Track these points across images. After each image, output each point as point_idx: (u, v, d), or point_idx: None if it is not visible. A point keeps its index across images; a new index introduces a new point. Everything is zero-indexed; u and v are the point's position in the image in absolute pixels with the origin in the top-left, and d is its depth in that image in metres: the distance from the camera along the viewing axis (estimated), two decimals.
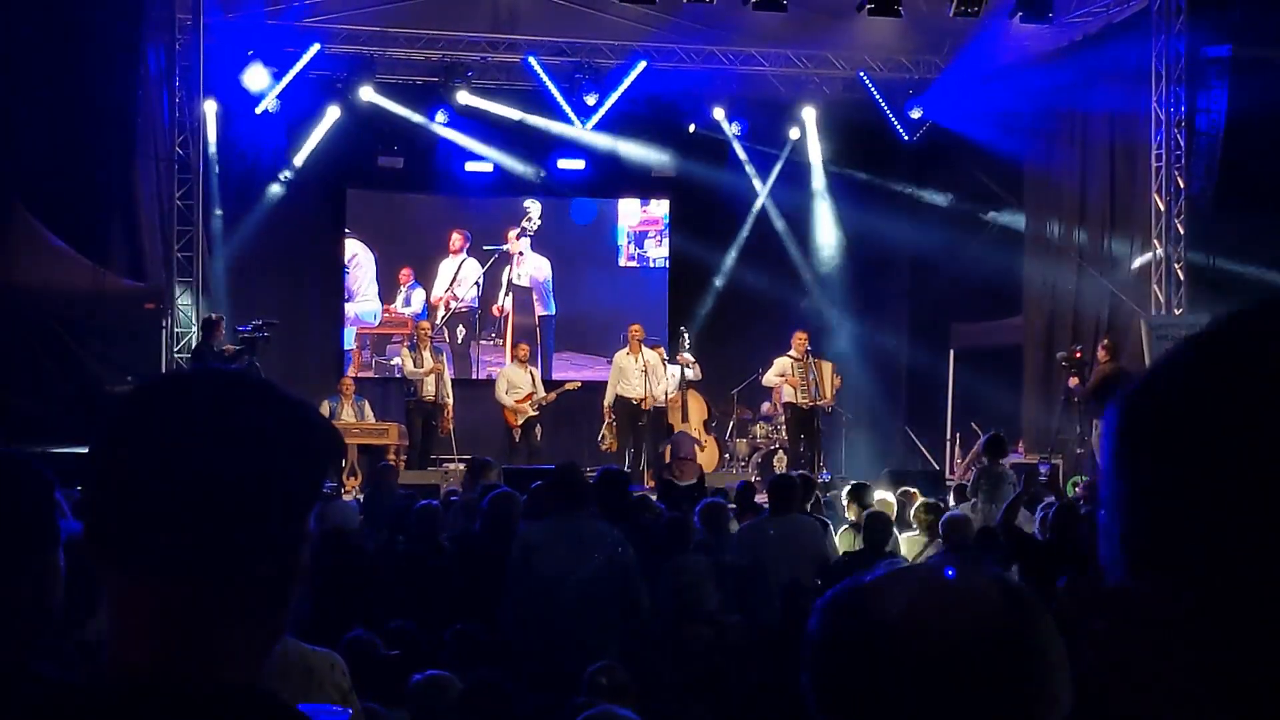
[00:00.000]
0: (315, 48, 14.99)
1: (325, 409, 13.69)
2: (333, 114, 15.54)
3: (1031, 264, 15.47)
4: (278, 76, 15.02)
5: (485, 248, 16.84)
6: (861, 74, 16.15)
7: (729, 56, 15.81)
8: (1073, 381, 13.30)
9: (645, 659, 5.66)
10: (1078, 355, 13.56)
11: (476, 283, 16.83)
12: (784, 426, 14.50)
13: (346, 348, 16.50)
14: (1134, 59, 14.04)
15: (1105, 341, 13.16)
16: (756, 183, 17.05)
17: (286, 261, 15.96)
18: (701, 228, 16.81)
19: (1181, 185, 13.63)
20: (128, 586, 1.09)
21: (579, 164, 16.51)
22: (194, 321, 13.33)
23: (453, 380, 14.52)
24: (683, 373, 14.35)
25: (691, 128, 16.49)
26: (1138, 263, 14.11)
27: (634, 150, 16.62)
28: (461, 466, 12.61)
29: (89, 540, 1.11)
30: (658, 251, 17.33)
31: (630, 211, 17.35)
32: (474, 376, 16.41)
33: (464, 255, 16.82)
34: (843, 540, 8.57)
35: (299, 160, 15.66)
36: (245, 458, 1.09)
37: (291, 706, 1.13)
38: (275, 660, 1.16)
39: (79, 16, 12.14)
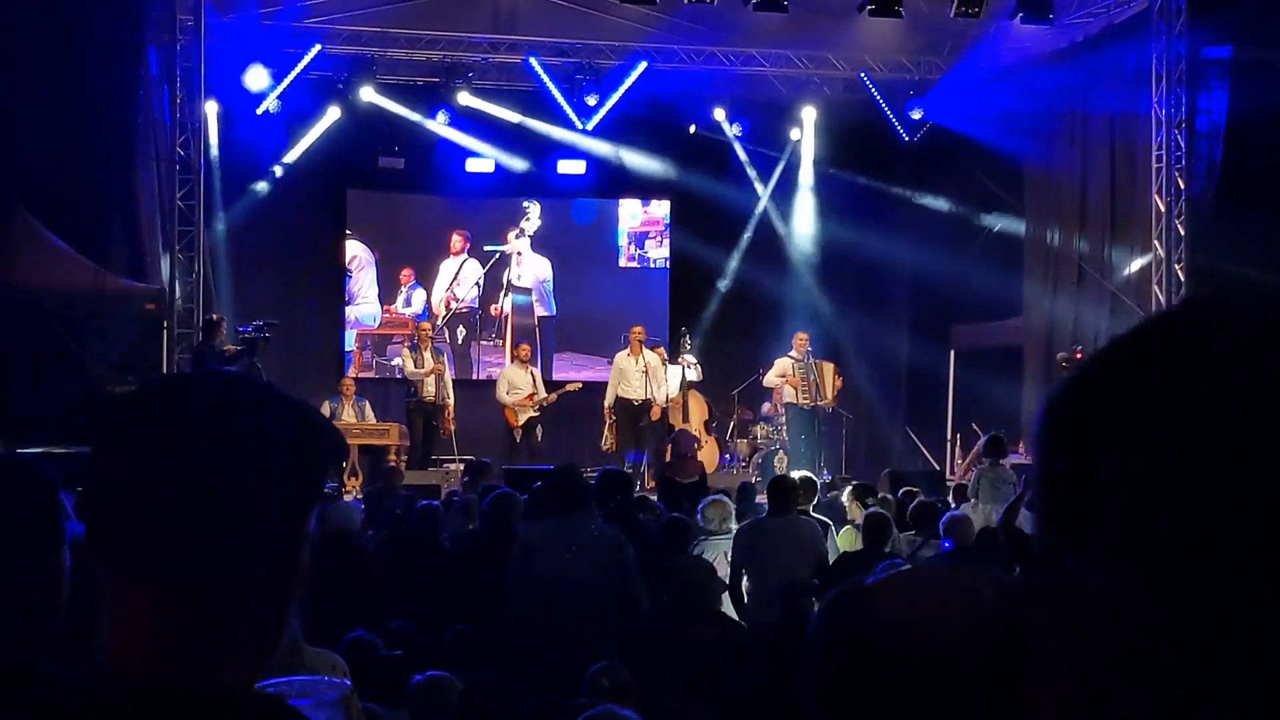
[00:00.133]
0: (316, 48, 15.00)
1: (326, 409, 13.69)
2: (332, 114, 15.54)
3: (1032, 265, 15.47)
4: (278, 77, 15.03)
5: (486, 248, 16.84)
6: (862, 75, 16.15)
7: (729, 57, 15.81)
8: None
9: (647, 658, 5.66)
10: (1078, 355, 13.56)
11: (477, 283, 16.83)
12: (784, 427, 14.50)
13: (347, 348, 16.50)
14: (1134, 60, 14.05)
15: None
16: (757, 184, 17.05)
17: (287, 262, 15.96)
18: (702, 228, 16.81)
19: (1182, 186, 13.63)
20: (127, 588, 1.09)
21: (579, 165, 16.51)
22: (195, 322, 13.33)
23: (453, 381, 14.53)
24: (684, 374, 14.36)
25: (692, 129, 16.49)
26: (1134, 266, 14.11)
27: (634, 151, 16.62)
28: (462, 467, 12.62)
29: (88, 541, 1.11)
30: (658, 252, 17.33)
31: (631, 212, 17.34)
32: (474, 377, 16.41)
33: (464, 256, 16.82)
34: (845, 540, 8.57)
35: (291, 158, 15.63)
36: (245, 459, 1.09)
37: (292, 708, 1.13)
38: (278, 661, 1.17)
39: (80, 17, 12.13)
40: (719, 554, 7.43)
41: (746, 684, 5.50)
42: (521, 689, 4.90)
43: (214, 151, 14.71)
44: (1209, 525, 0.58)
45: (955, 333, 16.05)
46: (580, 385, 14.97)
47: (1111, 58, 14.28)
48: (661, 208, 17.26)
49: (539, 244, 16.99)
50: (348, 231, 16.58)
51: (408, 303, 16.71)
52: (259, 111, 15.17)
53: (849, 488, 10.30)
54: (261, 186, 15.61)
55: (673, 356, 14.50)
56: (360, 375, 15.82)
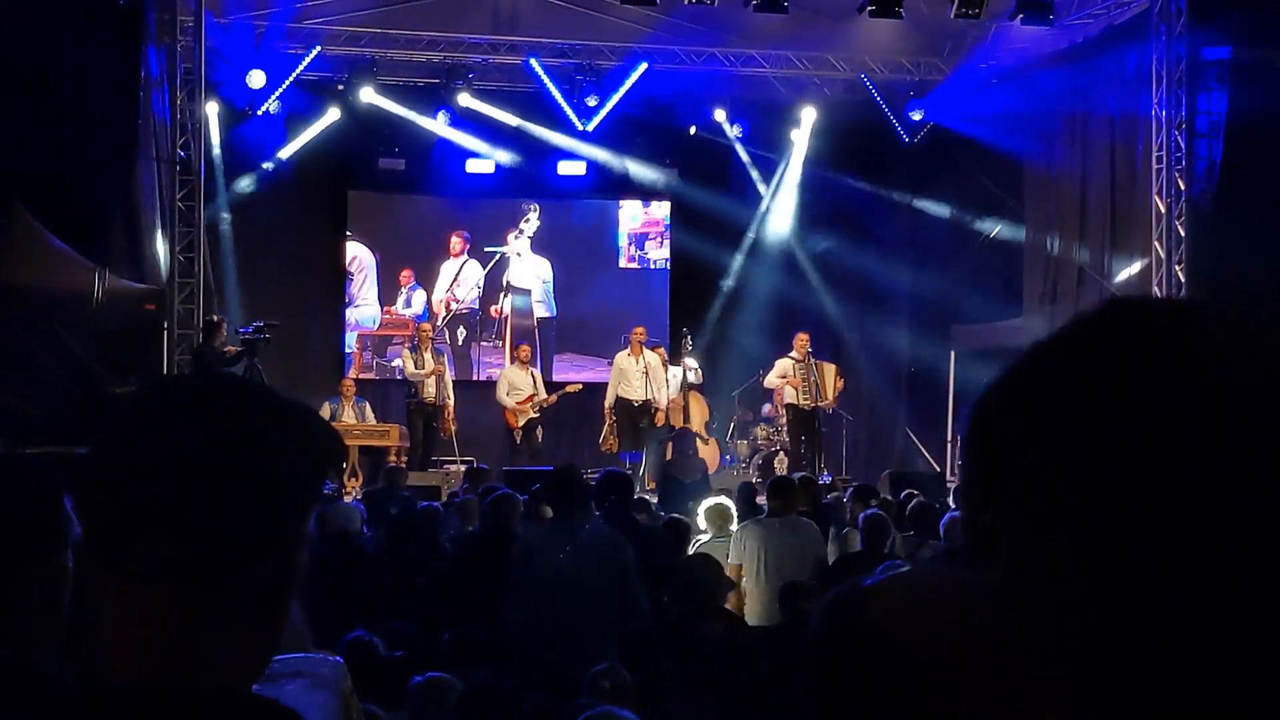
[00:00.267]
0: (316, 49, 15.00)
1: (326, 410, 13.70)
2: (332, 115, 15.53)
3: (1032, 265, 15.47)
4: (278, 78, 15.03)
5: (486, 249, 16.84)
6: (862, 75, 16.15)
7: (730, 58, 15.81)
8: None
9: (649, 657, 5.66)
10: None
11: (477, 284, 16.84)
12: (785, 428, 14.50)
13: (347, 349, 16.50)
14: (1134, 61, 14.05)
15: None
16: (758, 185, 17.06)
17: (287, 263, 15.96)
18: (702, 229, 16.82)
19: (1182, 187, 13.62)
20: (125, 589, 1.09)
21: (580, 166, 16.51)
22: (195, 323, 13.33)
23: (454, 382, 14.53)
24: (685, 375, 14.36)
25: (692, 130, 16.49)
26: (1135, 267, 14.11)
27: (634, 152, 16.62)
28: (462, 468, 12.63)
29: (85, 544, 1.11)
30: (658, 253, 17.33)
31: (631, 214, 17.34)
32: (475, 378, 16.41)
33: (465, 257, 16.82)
34: (850, 541, 8.56)
35: (285, 154, 15.59)
36: (243, 462, 1.09)
37: (289, 710, 1.13)
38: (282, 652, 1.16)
39: (80, 18, 12.13)
40: (720, 556, 7.42)
41: (753, 681, 5.50)
42: (521, 690, 4.90)
43: (214, 152, 14.72)
44: (1115, 524, 0.59)
45: (956, 333, 16.05)
46: (580, 386, 14.98)
47: (1112, 59, 14.28)
48: (662, 209, 17.26)
49: (539, 245, 17.00)
50: (348, 232, 16.58)
51: (408, 304, 16.71)
52: (259, 112, 15.17)
53: (850, 489, 10.29)
54: (259, 181, 15.57)
55: (674, 358, 14.51)
56: (360, 376, 15.82)
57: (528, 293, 16.98)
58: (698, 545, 7.68)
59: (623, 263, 17.33)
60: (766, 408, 15.27)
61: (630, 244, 17.35)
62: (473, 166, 16.32)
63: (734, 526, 7.88)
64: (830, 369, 14.25)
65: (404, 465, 13.00)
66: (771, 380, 14.33)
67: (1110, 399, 0.61)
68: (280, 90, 15.11)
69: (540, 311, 16.98)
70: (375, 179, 16.32)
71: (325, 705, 3.09)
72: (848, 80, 16.35)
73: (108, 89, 12.65)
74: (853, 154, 16.65)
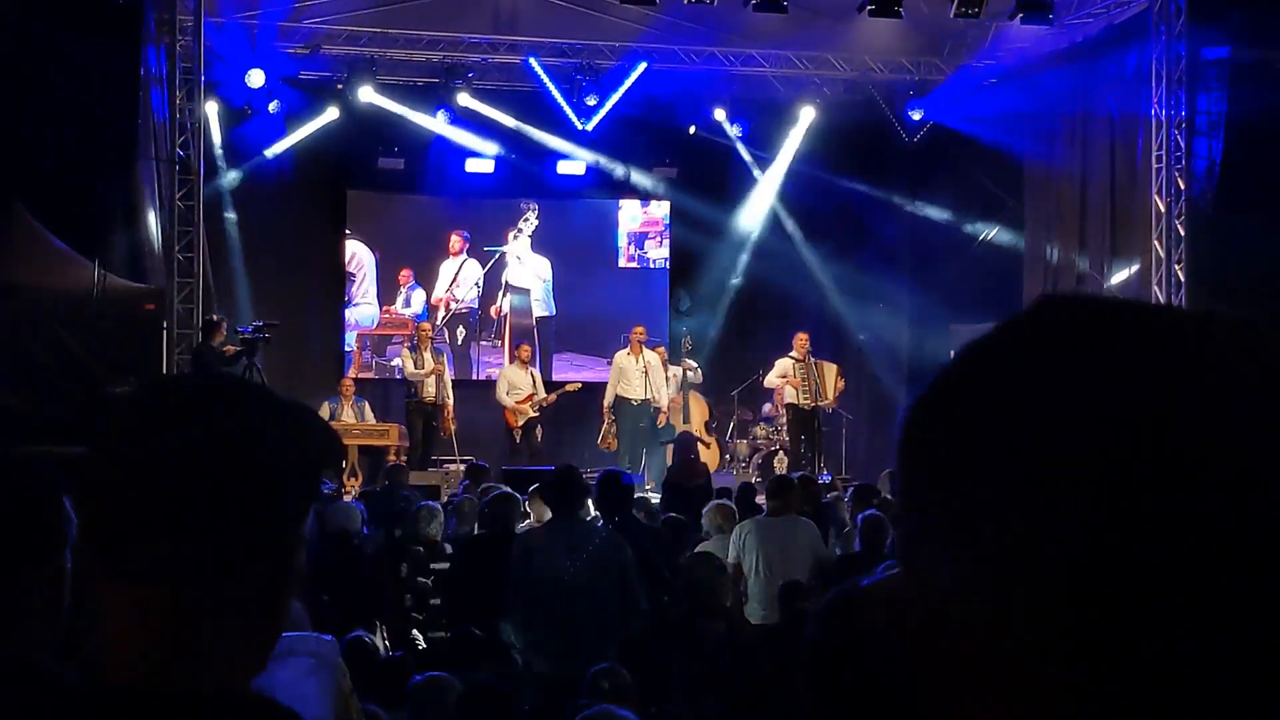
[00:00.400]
0: (315, 48, 14.99)
1: (325, 410, 13.70)
2: (330, 114, 15.52)
3: (1032, 264, 15.47)
4: (278, 77, 15.02)
5: (485, 248, 16.84)
6: (862, 75, 16.15)
7: (729, 58, 15.81)
8: None
9: (650, 657, 5.66)
10: None
11: (476, 284, 16.83)
12: (785, 427, 14.50)
13: (347, 348, 16.50)
14: (1134, 61, 14.05)
15: None
16: (757, 185, 17.06)
17: (287, 262, 15.95)
18: (702, 229, 16.81)
19: (1182, 187, 13.63)
20: (123, 590, 1.09)
21: (579, 166, 16.51)
22: (194, 322, 13.33)
23: (453, 381, 14.53)
24: (684, 375, 14.37)
25: (692, 129, 16.49)
26: (1134, 267, 14.11)
27: (634, 151, 16.62)
28: (462, 467, 12.63)
29: (84, 544, 1.11)
30: (658, 252, 17.33)
31: (631, 213, 17.34)
32: (474, 377, 16.41)
33: (464, 256, 16.82)
34: (850, 541, 8.56)
35: (278, 149, 15.55)
36: (240, 462, 1.09)
37: (289, 710, 1.13)
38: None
39: (80, 17, 12.13)
40: (721, 555, 7.43)
41: (753, 681, 5.50)
42: (521, 690, 4.90)
43: (214, 152, 14.71)
44: (1034, 528, 0.59)
45: (955, 333, 16.04)
46: (580, 385, 14.98)
47: (1111, 58, 14.28)
48: (661, 208, 17.25)
49: (538, 244, 16.99)
50: (347, 231, 16.57)
51: (407, 303, 16.71)
52: (258, 112, 15.17)
53: (851, 489, 10.29)
54: (257, 178, 15.54)
55: (674, 358, 14.51)
56: (360, 376, 15.82)
57: (527, 292, 16.97)
58: (699, 545, 7.68)
59: (622, 262, 17.32)
60: (767, 407, 15.27)
61: (630, 243, 17.35)
62: (472, 166, 16.32)
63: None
64: (831, 369, 14.24)
65: (404, 464, 12.99)
66: (771, 380, 14.33)
67: (1028, 403, 0.60)
68: (280, 90, 15.09)
69: (539, 311, 16.98)
70: (375, 178, 16.31)
71: (323, 689, 3.10)
72: (847, 80, 16.34)
73: (108, 89, 12.64)
74: (853, 154, 16.64)
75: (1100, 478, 0.58)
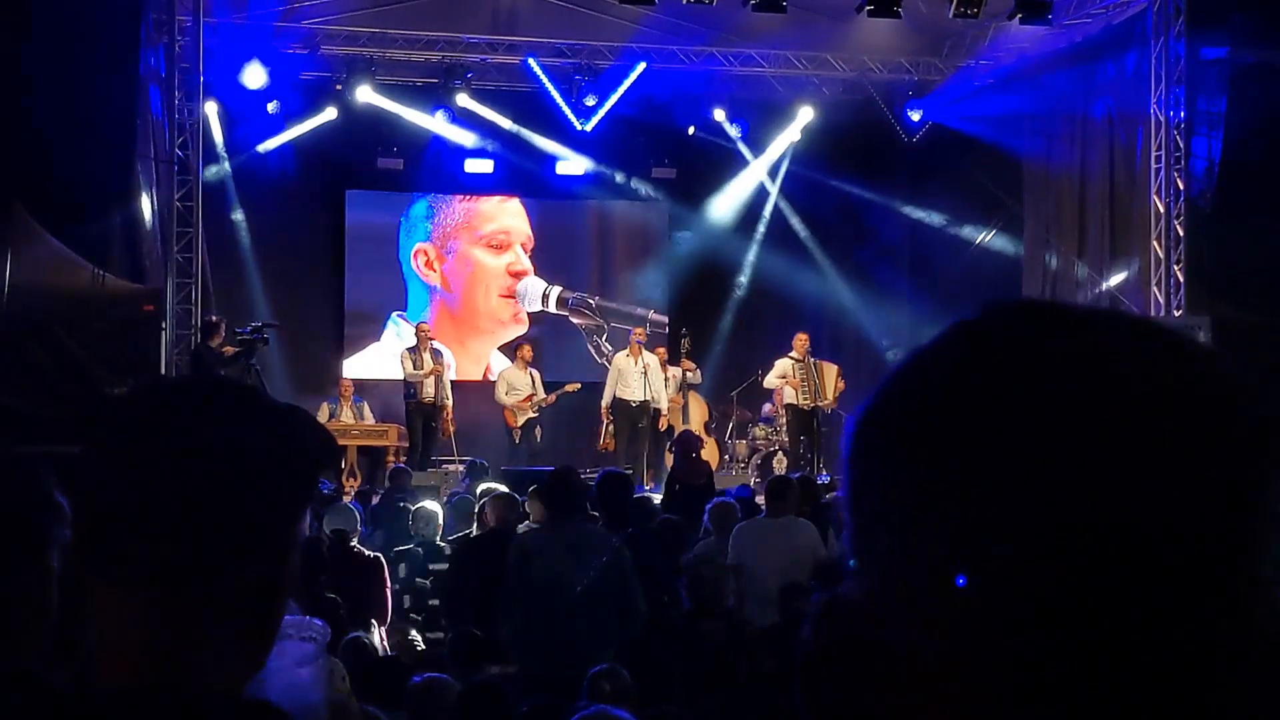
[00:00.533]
0: (314, 48, 14.98)
1: (324, 410, 13.70)
2: (329, 114, 15.51)
3: (1031, 265, 15.47)
4: (277, 77, 15.01)
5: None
6: (861, 75, 16.14)
7: (728, 58, 15.79)
8: None
9: (649, 657, 5.66)
10: None
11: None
12: (784, 428, 14.49)
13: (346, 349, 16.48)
14: (1134, 61, 14.05)
15: None
16: (757, 185, 17.05)
17: (286, 263, 15.94)
18: (701, 229, 16.78)
19: (1181, 187, 13.63)
20: (114, 592, 1.08)
21: (578, 166, 16.50)
22: (193, 323, 13.32)
23: (452, 382, 14.51)
24: (683, 376, 14.36)
25: (691, 129, 16.48)
26: (1134, 267, 14.11)
27: (633, 151, 16.61)
28: (461, 468, 12.62)
29: (75, 547, 1.10)
30: (657, 252, 17.32)
31: (630, 213, 17.33)
32: (474, 378, 16.40)
33: None
34: None
35: (272, 145, 15.52)
36: (234, 465, 1.09)
37: (281, 711, 1.12)
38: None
39: (79, 17, 12.13)
40: (722, 556, 7.42)
41: (753, 681, 5.50)
42: (520, 691, 4.90)
43: (214, 152, 14.70)
44: (974, 517, 0.61)
45: None
46: (579, 386, 14.97)
47: (1111, 59, 14.29)
48: (660, 208, 17.25)
49: (538, 244, 16.98)
50: (346, 231, 16.56)
51: None
52: (257, 112, 15.17)
53: None
54: (253, 173, 15.54)
55: (673, 359, 14.50)
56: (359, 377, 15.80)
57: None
58: (698, 546, 7.67)
59: (621, 262, 17.31)
60: (766, 407, 15.26)
61: (629, 243, 17.34)
62: (471, 166, 16.31)
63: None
64: (832, 369, 14.23)
65: (407, 467, 12.97)
66: (771, 380, 14.32)
67: (966, 409, 0.62)
68: (279, 89, 15.09)
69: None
70: (374, 178, 16.30)
71: (315, 680, 3.09)
72: (847, 80, 16.33)
73: (108, 89, 12.64)
74: (852, 154, 16.64)
75: (1024, 474, 0.60)
